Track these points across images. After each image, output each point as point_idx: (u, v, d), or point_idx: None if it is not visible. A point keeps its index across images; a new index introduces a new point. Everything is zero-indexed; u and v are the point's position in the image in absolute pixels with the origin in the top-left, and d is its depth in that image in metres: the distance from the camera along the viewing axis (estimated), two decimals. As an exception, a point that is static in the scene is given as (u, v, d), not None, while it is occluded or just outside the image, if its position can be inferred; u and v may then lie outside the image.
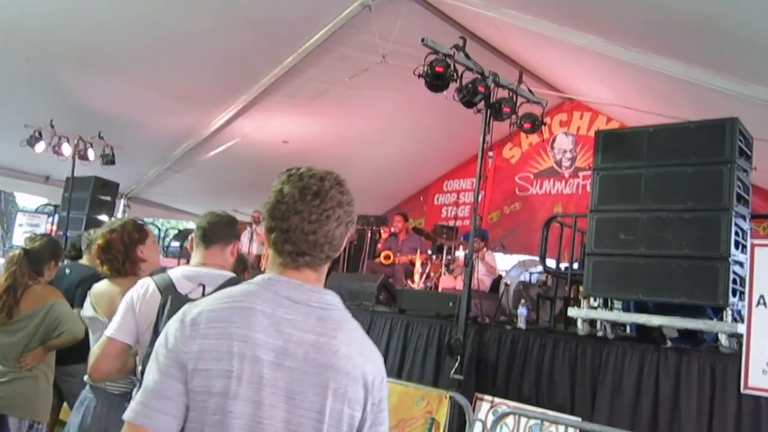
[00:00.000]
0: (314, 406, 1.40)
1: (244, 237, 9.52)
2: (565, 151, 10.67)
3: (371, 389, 1.48)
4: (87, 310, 2.94)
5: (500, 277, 7.49)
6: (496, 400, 4.46)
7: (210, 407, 1.35)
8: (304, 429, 1.39)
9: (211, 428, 1.35)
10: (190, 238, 2.78)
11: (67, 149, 8.69)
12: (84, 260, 4.65)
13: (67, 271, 4.54)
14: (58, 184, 9.96)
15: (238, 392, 1.35)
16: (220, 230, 2.70)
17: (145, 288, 2.54)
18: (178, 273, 2.57)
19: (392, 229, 9.45)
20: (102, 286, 3.02)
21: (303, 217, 1.47)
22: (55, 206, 10.38)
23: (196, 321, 1.41)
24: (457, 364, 4.55)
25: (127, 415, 1.37)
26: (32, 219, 10.30)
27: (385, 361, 4.98)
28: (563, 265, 6.18)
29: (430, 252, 8.94)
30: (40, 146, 8.53)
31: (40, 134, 8.51)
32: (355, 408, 1.44)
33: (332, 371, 1.42)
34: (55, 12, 6.63)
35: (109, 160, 9.06)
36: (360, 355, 1.48)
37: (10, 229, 16.08)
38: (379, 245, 9.46)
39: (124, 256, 2.99)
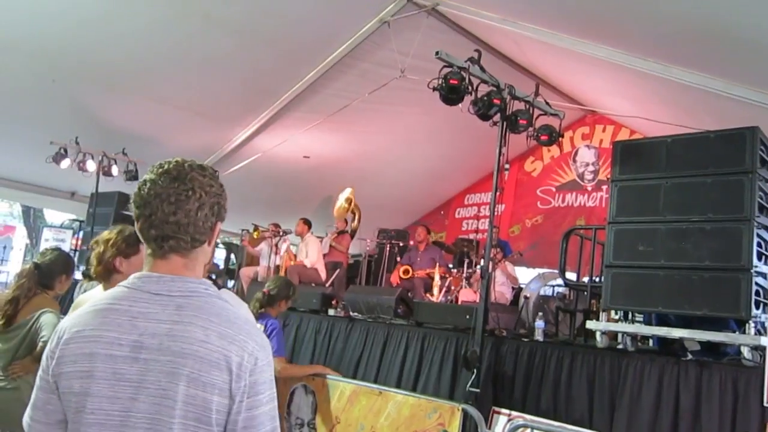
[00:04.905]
0: (167, 393, 1.41)
1: (264, 248, 9.55)
2: (587, 164, 10.63)
3: (238, 372, 1.44)
4: None
5: (521, 289, 7.44)
6: (513, 413, 4.40)
7: (73, 406, 1.44)
8: (161, 417, 1.41)
9: (74, 426, 1.44)
10: None
11: (91, 165, 8.86)
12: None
13: None
14: (84, 200, 10.16)
15: (91, 390, 1.42)
16: None
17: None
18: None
19: (412, 241, 9.45)
20: (85, 297, 3.00)
21: (162, 198, 1.49)
22: (80, 221, 10.57)
23: (63, 329, 1.51)
24: (473, 377, 4.51)
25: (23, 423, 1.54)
26: (58, 234, 10.47)
27: (401, 374, 4.95)
28: (585, 279, 6.11)
29: (450, 266, 8.91)
30: (65, 163, 8.71)
31: (65, 151, 8.69)
32: (215, 393, 1.42)
33: (185, 357, 1.42)
34: (79, 34, 6.82)
35: (132, 175, 9.20)
36: (220, 338, 1.45)
37: (36, 244, 16.37)
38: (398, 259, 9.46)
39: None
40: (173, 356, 1.42)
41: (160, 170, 1.53)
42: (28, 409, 1.52)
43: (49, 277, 3.82)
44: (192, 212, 1.52)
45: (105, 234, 3.06)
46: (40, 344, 3.61)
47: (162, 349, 1.43)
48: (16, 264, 17.45)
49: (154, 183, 1.51)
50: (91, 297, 2.92)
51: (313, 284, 8.48)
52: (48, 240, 10.30)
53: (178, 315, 1.46)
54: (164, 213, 1.49)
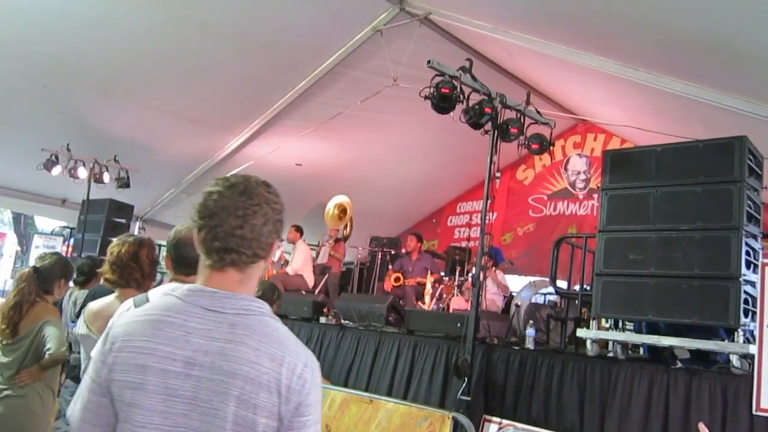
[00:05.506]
0: (218, 413, 1.40)
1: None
2: (579, 173, 10.66)
3: (287, 395, 1.45)
4: (80, 328, 2.92)
5: (512, 297, 7.45)
6: (504, 421, 4.40)
7: (121, 416, 1.44)
8: None
9: None
10: (165, 256, 2.58)
11: (83, 172, 8.80)
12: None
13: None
14: (75, 207, 10.10)
15: (142, 402, 1.41)
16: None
17: (125, 308, 2.53)
18: (158, 292, 2.56)
19: (404, 249, 9.44)
20: (99, 305, 2.95)
21: (230, 212, 1.49)
22: (71, 228, 10.53)
23: (115, 335, 1.50)
24: (464, 385, 4.51)
25: (71, 424, 1.52)
26: (48, 241, 10.43)
27: (392, 382, 4.94)
28: (576, 287, 6.12)
29: (442, 273, 8.90)
30: (57, 170, 8.66)
31: (56, 158, 8.65)
32: (263, 415, 1.42)
33: (236, 378, 1.41)
34: (71, 40, 6.79)
35: (124, 183, 9.16)
36: (271, 360, 1.45)
37: (27, 251, 16.30)
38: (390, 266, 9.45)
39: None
40: (224, 376, 1.42)
41: (227, 183, 1.54)
42: (80, 410, 1.50)
43: (48, 281, 3.83)
44: (258, 227, 1.51)
45: (131, 242, 2.99)
46: (47, 356, 3.64)
47: (214, 368, 1.42)
48: (6, 271, 17.34)
49: (222, 195, 1.51)
50: (107, 306, 2.86)
51: (303, 291, 8.46)
52: (38, 247, 10.26)
53: (231, 334, 1.46)
54: (230, 226, 1.49)
